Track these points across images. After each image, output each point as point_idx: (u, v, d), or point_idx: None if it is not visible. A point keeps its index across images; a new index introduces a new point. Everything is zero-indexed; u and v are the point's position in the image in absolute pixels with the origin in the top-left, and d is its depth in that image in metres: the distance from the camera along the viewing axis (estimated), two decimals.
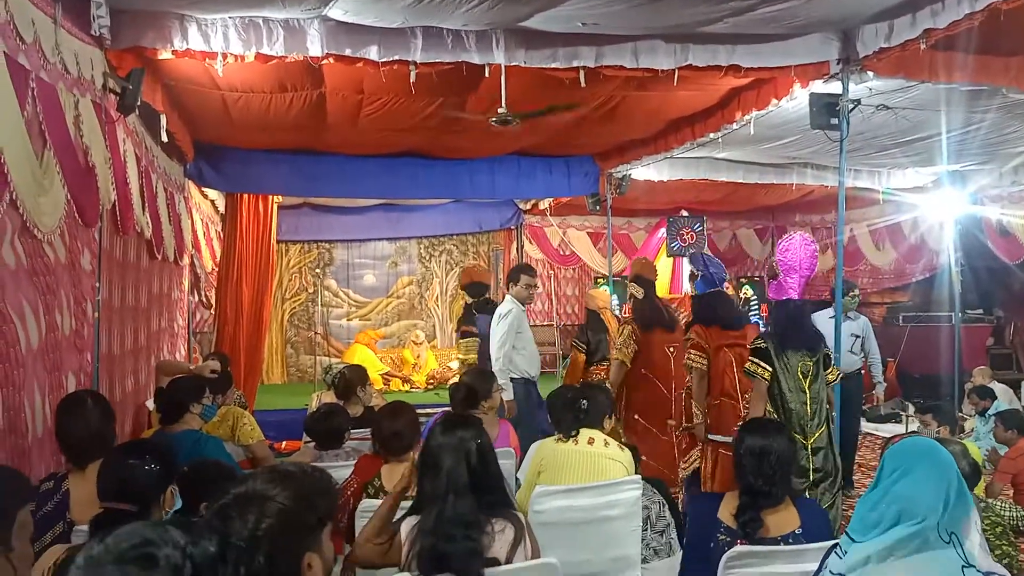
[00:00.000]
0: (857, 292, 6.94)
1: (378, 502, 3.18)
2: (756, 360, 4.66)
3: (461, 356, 6.53)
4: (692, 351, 5.36)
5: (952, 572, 1.90)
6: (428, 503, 2.50)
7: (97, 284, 4.46)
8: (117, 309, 5.21)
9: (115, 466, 2.51)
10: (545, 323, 13.35)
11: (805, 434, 4.57)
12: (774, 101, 5.93)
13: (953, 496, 1.96)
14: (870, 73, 5.27)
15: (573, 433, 3.85)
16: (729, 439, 4.43)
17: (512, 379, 6.05)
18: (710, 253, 6.74)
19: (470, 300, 6.64)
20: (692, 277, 5.85)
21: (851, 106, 5.50)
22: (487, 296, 6.60)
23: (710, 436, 5.06)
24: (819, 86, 5.57)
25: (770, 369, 4.61)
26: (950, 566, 1.91)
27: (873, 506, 2.04)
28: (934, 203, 9.66)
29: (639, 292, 6.42)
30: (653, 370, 6.09)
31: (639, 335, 6.15)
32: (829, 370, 4.82)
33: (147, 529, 0.88)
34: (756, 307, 12.51)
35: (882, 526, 1.99)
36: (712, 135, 7.03)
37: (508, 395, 5.82)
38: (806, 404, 4.58)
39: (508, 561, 2.49)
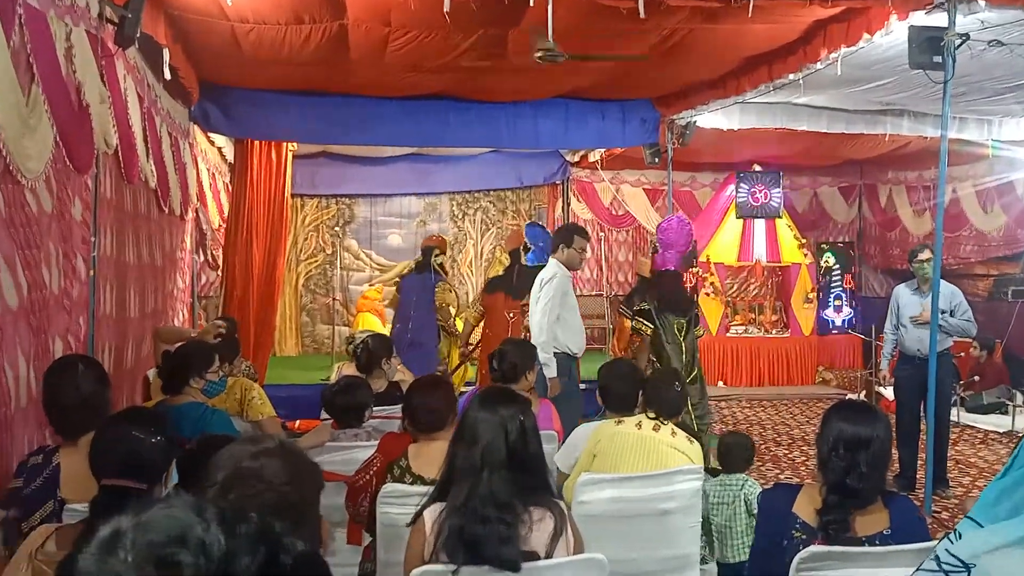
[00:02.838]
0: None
1: (403, 486, 3.21)
2: (641, 319, 6.52)
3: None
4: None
5: None
6: (459, 480, 2.52)
7: (92, 238, 4.51)
8: (120, 266, 5.27)
9: (115, 438, 2.50)
10: (594, 293, 13.31)
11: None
12: (866, 36, 5.77)
13: None
14: (981, 3, 5.10)
15: (651, 416, 3.85)
16: None
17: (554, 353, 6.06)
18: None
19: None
20: (526, 249, 8.12)
21: (958, 42, 5.34)
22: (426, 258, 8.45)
23: None
24: (920, 18, 5.41)
25: (652, 326, 6.45)
26: None
27: (1006, 492, 2.11)
28: None
29: (507, 260, 8.39)
30: (493, 329, 7.77)
31: (482, 297, 8.20)
32: (697, 327, 6.64)
33: (187, 520, 0.82)
34: (839, 277, 12.32)
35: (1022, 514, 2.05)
36: (792, 76, 6.90)
37: (551, 371, 5.83)
38: (681, 353, 6.43)
39: (548, 555, 2.49)
